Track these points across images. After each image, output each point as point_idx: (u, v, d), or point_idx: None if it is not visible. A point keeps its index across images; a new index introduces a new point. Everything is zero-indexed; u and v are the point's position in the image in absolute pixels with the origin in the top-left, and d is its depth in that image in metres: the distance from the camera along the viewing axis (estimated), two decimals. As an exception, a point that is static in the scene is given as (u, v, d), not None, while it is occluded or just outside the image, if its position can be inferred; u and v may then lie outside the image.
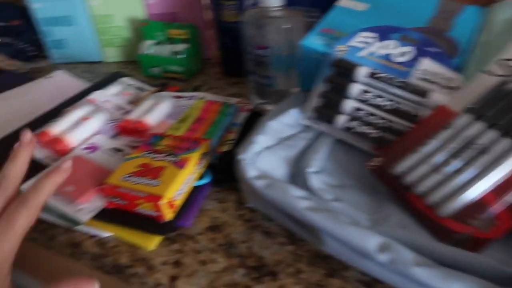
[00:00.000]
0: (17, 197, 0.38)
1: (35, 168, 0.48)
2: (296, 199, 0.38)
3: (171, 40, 0.81)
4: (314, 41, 0.55)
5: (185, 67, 0.80)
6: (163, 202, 0.42)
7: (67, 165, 0.43)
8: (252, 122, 0.63)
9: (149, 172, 0.46)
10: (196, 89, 0.70)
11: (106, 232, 0.45)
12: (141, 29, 0.82)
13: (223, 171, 0.51)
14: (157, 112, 0.61)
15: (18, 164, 0.40)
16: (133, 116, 0.58)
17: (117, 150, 0.54)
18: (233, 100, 0.71)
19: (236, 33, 0.77)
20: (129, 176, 0.45)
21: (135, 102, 0.65)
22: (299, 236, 0.43)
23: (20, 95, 0.68)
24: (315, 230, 0.37)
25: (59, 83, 0.74)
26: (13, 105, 0.65)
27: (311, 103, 0.53)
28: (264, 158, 0.45)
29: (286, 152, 0.47)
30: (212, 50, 0.93)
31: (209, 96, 0.71)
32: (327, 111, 0.51)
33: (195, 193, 0.48)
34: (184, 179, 0.46)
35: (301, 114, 0.54)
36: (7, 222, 0.35)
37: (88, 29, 0.87)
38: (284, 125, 0.51)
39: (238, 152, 0.45)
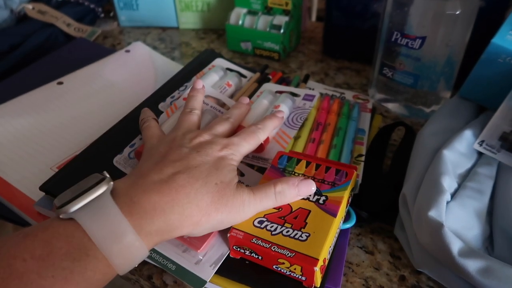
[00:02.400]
0: (248, 128, 0.40)
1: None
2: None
3: (269, 10, 0.66)
4: (509, 39, 0.40)
5: (283, 44, 0.66)
6: (318, 267, 0.31)
7: (282, 114, 0.44)
8: (385, 133, 0.50)
9: (290, 217, 0.34)
10: (305, 79, 0.57)
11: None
12: (233, -6, 0.67)
13: (367, 206, 0.40)
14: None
15: (200, 97, 0.44)
16: (247, 121, 0.46)
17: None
18: (349, 95, 0.57)
19: (352, 6, 0.62)
20: (263, 221, 0.34)
21: (236, 96, 0.52)
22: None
23: (100, 72, 0.57)
24: None
25: (141, 60, 0.61)
26: (96, 86, 0.54)
27: (495, 126, 0.39)
28: (452, 213, 0.32)
29: (475, 202, 0.34)
30: (305, 21, 0.78)
31: (314, 85, 0.58)
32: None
33: (339, 241, 0.37)
34: (336, 230, 0.34)
35: (473, 136, 0.40)
36: (237, 146, 0.37)
37: (165, -11, 0.73)
38: (459, 154, 0.38)
39: (424, 203, 0.32)
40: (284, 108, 0.47)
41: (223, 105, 0.49)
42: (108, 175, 0.30)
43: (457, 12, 0.44)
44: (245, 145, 0.37)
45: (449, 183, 0.34)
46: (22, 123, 0.47)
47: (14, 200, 0.39)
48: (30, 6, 0.69)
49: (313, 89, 0.56)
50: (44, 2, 0.72)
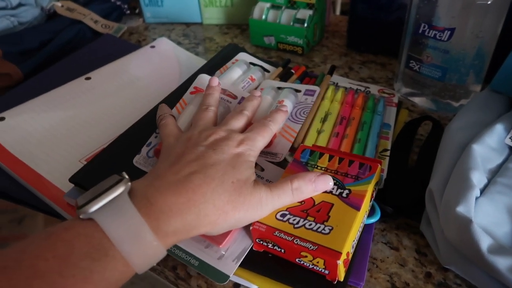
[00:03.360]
0: (259, 122, 0.40)
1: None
2: None
3: (293, 4, 0.66)
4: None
5: (307, 38, 0.66)
6: (341, 260, 0.31)
7: (286, 108, 0.44)
8: (411, 128, 0.49)
9: (313, 210, 0.34)
10: (330, 71, 0.56)
11: (250, 283, 0.34)
12: (257, -11, 0.67)
13: (393, 201, 0.39)
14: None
15: (216, 94, 0.44)
16: (255, 117, 0.46)
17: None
18: (374, 89, 0.56)
19: (379, 0, 0.61)
20: (286, 215, 0.34)
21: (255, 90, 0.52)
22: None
23: (126, 68, 0.58)
24: None
25: (166, 55, 0.62)
26: (123, 82, 0.55)
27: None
28: (482, 208, 0.31)
29: (506, 198, 0.33)
30: (329, 15, 0.77)
31: (338, 80, 0.57)
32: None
33: (363, 236, 0.36)
34: (360, 224, 0.34)
35: (505, 131, 0.39)
36: (253, 141, 0.37)
37: (189, -15, 0.74)
38: (489, 149, 0.37)
39: (452, 199, 0.31)
40: (288, 102, 0.47)
41: (234, 96, 0.49)
42: (126, 176, 0.31)
43: (489, 2, 0.43)
44: (260, 139, 0.38)
45: (478, 178, 0.33)
46: (52, 117, 0.49)
47: (45, 191, 0.41)
48: (59, 4, 0.71)
49: (337, 84, 0.55)
50: (72, 0, 0.74)
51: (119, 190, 0.29)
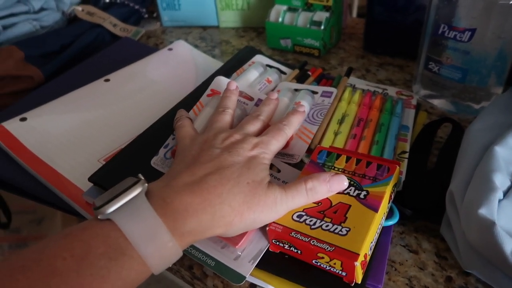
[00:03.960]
0: (274, 126, 0.40)
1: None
2: None
3: (310, 7, 0.66)
4: None
5: (324, 41, 0.66)
6: (358, 262, 0.30)
7: (303, 109, 0.44)
8: (431, 130, 0.48)
9: (330, 212, 0.34)
10: (347, 73, 0.56)
11: (266, 284, 0.34)
12: (274, -9, 0.67)
13: (412, 203, 0.38)
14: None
15: (234, 98, 0.44)
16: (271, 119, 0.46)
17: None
18: (391, 91, 0.55)
19: (395, 0, 0.60)
20: (302, 215, 0.34)
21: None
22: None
23: (144, 70, 0.59)
24: None
25: (183, 58, 0.63)
26: (139, 86, 0.56)
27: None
28: (505, 211, 0.30)
29: (530, 201, 0.32)
30: (346, 17, 0.77)
31: (355, 81, 0.57)
32: None
33: (381, 238, 0.36)
34: (378, 226, 0.33)
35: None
36: (267, 144, 0.37)
37: (207, -12, 0.74)
38: (511, 150, 0.36)
39: (474, 201, 0.31)
40: (305, 103, 0.47)
41: (251, 98, 0.49)
42: (142, 178, 0.31)
43: (511, 2, 0.42)
44: (274, 143, 0.37)
45: (501, 180, 0.32)
46: (72, 118, 0.50)
47: (64, 189, 0.41)
48: (79, 8, 0.73)
49: (354, 85, 0.55)
50: (92, 4, 0.75)
51: (137, 191, 0.30)
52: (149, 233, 0.28)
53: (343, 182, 0.35)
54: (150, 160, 0.42)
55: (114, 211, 0.28)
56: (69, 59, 0.65)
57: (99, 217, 0.28)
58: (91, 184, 0.40)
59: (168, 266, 0.29)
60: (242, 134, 0.37)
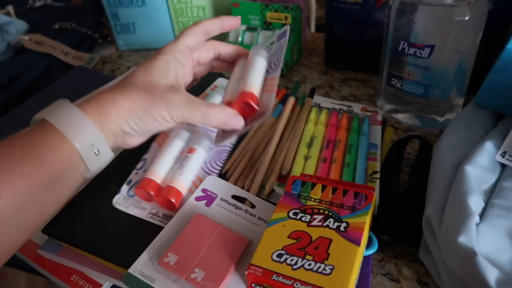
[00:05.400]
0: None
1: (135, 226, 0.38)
2: None
3: (269, 25, 0.65)
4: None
5: (285, 59, 0.65)
6: (344, 303, 0.29)
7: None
8: (399, 147, 0.48)
9: (311, 248, 0.32)
10: (311, 94, 0.55)
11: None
12: (231, 11, 0.66)
13: (389, 229, 0.38)
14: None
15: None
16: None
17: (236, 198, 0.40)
18: (356, 107, 0.55)
19: (353, 16, 0.61)
20: (282, 255, 0.32)
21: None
22: None
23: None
24: None
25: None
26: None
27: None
28: (483, 235, 0.30)
29: (505, 221, 0.32)
30: (305, 33, 0.77)
31: (320, 100, 0.56)
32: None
33: (362, 269, 0.35)
34: (361, 260, 0.32)
35: (494, 147, 0.38)
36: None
37: (162, 10, 0.72)
38: (481, 169, 0.36)
39: (452, 228, 0.30)
40: (200, 150, 0.43)
41: None
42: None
43: (466, 18, 0.43)
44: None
45: (476, 202, 0.32)
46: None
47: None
48: (26, 38, 0.68)
49: (319, 104, 0.55)
50: (41, 32, 0.71)
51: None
52: (71, 121, 0.31)
53: (239, 124, 0.37)
54: (111, 200, 0.39)
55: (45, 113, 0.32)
56: (18, 92, 0.61)
57: (33, 119, 0.32)
58: (46, 237, 0.36)
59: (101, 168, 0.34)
60: None
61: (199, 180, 0.42)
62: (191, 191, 0.41)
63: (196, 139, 0.44)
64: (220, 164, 0.45)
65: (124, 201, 0.40)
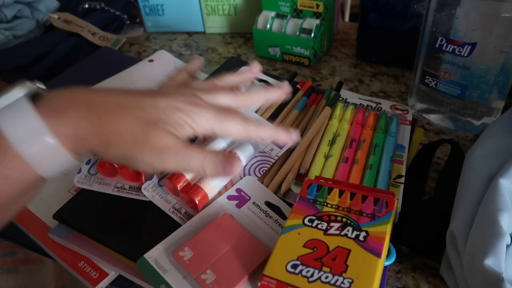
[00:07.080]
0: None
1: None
2: None
3: (299, 13, 0.62)
4: None
5: (314, 50, 0.62)
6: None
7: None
8: (428, 150, 0.45)
9: (328, 259, 0.30)
10: (338, 88, 0.52)
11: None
12: (261, -4, 0.63)
13: (409, 240, 0.35)
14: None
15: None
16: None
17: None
18: (386, 105, 0.52)
19: (390, 6, 0.57)
20: (297, 265, 0.30)
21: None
22: None
23: (122, 84, 0.55)
24: None
25: (165, 69, 0.59)
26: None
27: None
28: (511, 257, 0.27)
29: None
30: (338, 21, 0.73)
31: (347, 95, 0.53)
32: None
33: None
34: (381, 272, 0.30)
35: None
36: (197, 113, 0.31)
37: (191, -7, 0.70)
38: (517, 182, 0.33)
39: (478, 249, 0.28)
40: (241, 157, 0.40)
41: None
42: (33, 83, 0.30)
43: (514, 15, 0.39)
44: (204, 121, 0.31)
45: (508, 222, 0.29)
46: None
47: (29, 226, 0.38)
48: (55, 16, 0.68)
49: (346, 99, 0.52)
50: (70, 11, 0.71)
51: (18, 93, 0.28)
52: (29, 132, 0.27)
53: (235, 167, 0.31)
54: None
55: None
56: (44, 70, 0.61)
57: None
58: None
59: (60, 170, 0.29)
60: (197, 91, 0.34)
61: (231, 184, 0.40)
62: (219, 194, 0.39)
63: (239, 143, 0.41)
64: (258, 175, 0.41)
65: (87, 179, 0.40)
